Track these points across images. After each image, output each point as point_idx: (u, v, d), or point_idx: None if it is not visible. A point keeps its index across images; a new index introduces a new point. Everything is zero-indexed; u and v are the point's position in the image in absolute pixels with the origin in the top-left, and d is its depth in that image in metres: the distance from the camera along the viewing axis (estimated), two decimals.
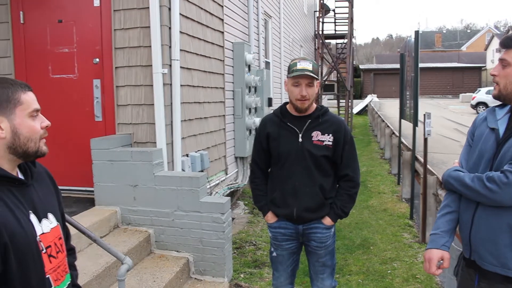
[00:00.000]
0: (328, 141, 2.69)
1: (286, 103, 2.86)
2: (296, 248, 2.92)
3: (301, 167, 2.70)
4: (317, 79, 2.67)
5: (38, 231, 1.45)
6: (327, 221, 2.79)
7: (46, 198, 1.56)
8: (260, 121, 2.95)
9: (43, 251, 1.45)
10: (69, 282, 1.60)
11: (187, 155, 4.95)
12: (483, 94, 27.37)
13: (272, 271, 3.06)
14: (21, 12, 4.65)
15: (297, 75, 2.60)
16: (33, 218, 1.44)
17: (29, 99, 1.46)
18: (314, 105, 2.79)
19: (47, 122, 1.51)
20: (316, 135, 2.70)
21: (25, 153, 1.45)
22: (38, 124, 1.47)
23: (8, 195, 1.38)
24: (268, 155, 2.85)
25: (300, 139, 2.70)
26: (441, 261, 1.99)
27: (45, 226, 1.49)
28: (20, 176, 1.49)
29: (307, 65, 2.62)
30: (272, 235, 2.92)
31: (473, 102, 27.60)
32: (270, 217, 2.87)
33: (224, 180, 6.35)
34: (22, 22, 4.66)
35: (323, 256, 2.86)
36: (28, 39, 4.67)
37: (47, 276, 1.46)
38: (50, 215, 1.53)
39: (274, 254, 2.94)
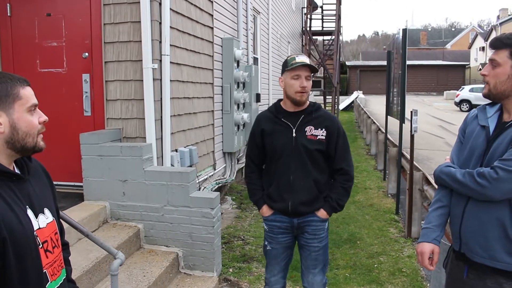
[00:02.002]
0: (321, 135, 2.76)
1: (280, 100, 2.91)
2: (290, 242, 2.96)
3: (296, 161, 2.75)
4: (314, 73, 2.78)
5: (35, 226, 1.45)
6: (322, 213, 2.83)
7: (42, 193, 1.56)
8: (255, 117, 3.00)
9: (40, 246, 1.45)
10: (64, 277, 1.61)
11: (176, 150, 4.95)
12: (466, 92, 27.82)
13: (265, 264, 3.08)
14: (8, 4, 4.58)
15: (298, 66, 2.68)
16: (30, 213, 1.44)
17: (28, 94, 1.46)
18: (308, 101, 2.85)
19: (44, 117, 1.51)
20: (310, 130, 2.76)
21: (23, 148, 1.45)
22: (36, 119, 1.47)
23: (5, 190, 1.38)
24: (262, 151, 2.90)
25: (294, 134, 2.75)
26: (431, 255, 2.05)
27: (41, 221, 1.49)
28: (17, 171, 1.49)
29: (306, 59, 2.73)
30: (268, 228, 2.95)
31: (457, 100, 28.01)
32: (266, 210, 2.91)
33: (212, 175, 6.37)
34: (9, 14, 4.59)
35: (316, 250, 2.89)
36: (15, 32, 4.61)
37: (44, 271, 1.46)
38: (46, 210, 1.53)
39: (268, 247, 2.97)
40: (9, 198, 1.38)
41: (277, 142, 2.78)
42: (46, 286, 1.47)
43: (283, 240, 2.92)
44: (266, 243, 3.00)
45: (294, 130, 2.76)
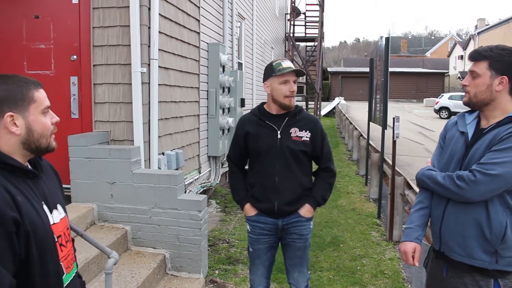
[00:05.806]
0: (306, 137, 2.83)
1: (263, 103, 2.97)
2: (273, 243, 2.99)
3: (281, 162, 2.81)
4: (299, 76, 2.90)
5: (51, 221, 1.52)
6: (307, 208, 2.89)
7: (54, 190, 1.63)
8: (238, 120, 3.05)
9: (55, 240, 1.52)
10: (76, 270, 1.69)
11: (163, 154, 5.00)
12: (446, 99, 28.35)
13: (249, 266, 3.11)
14: None
15: (287, 72, 2.74)
16: (45, 208, 1.52)
17: (42, 96, 1.53)
18: None
19: (56, 118, 1.59)
20: (295, 132, 2.83)
21: (38, 148, 1.52)
22: (49, 120, 1.55)
23: (24, 186, 1.45)
24: (244, 153, 2.96)
25: (279, 136, 2.81)
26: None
27: (55, 217, 1.56)
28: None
29: (292, 64, 2.80)
30: (251, 228, 2.97)
31: (436, 107, 28.50)
32: (248, 209, 2.94)
33: (197, 178, 6.42)
34: None
35: (301, 248, 2.95)
36: (2, 34, 4.61)
37: (60, 264, 1.54)
38: (59, 206, 1.61)
39: (251, 249, 3.01)
40: (28, 194, 1.45)
41: (262, 144, 2.83)
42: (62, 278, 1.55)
43: (266, 241, 2.95)
44: (248, 245, 3.05)
45: (279, 132, 2.81)
